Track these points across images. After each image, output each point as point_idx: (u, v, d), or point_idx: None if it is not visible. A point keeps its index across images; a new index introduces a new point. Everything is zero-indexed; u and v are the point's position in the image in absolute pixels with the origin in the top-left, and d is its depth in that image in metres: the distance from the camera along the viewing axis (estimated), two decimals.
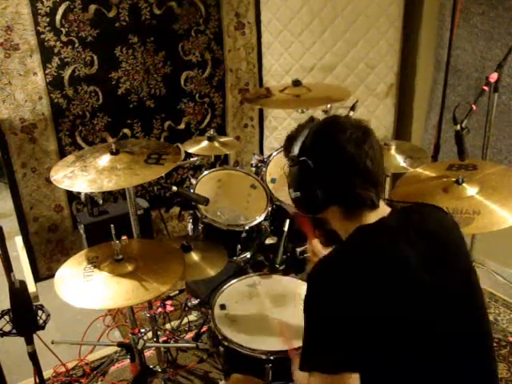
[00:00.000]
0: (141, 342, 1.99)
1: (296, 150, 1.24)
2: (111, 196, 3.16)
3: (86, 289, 1.67)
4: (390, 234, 1.18)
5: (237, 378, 1.67)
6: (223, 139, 2.54)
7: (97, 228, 2.78)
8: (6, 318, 1.82)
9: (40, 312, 1.86)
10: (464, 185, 1.84)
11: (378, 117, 3.28)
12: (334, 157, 1.19)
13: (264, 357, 1.63)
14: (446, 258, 1.20)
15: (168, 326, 2.55)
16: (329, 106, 2.41)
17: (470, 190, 1.82)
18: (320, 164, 1.20)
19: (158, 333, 2.35)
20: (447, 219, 1.30)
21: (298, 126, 1.30)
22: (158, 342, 2.34)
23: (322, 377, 1.10)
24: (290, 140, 1.29)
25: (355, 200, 1.21)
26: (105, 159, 1.90)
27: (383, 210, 1.24)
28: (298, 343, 1.38)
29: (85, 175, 1.83)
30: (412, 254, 1.15)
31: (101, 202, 2.53)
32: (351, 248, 1.19)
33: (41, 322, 1.84)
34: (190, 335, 2.53)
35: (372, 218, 1.21)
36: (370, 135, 1.21)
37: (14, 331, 1.79)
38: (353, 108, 2.41)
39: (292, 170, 1.26)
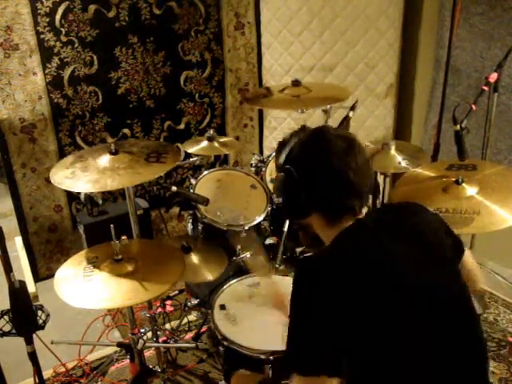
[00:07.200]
0: (140, 341, 1.99)
1: (283, 157, 1.28)
2: (111, 196, 3.15)
3: (85, 289, 1.67)
4: (367, 233, 1.21)
5: (241, 375, 1.65)
6: (223, 139, 2.54)
7: (96, 228, 2.77)
8: (6, 317, 1.82)
9: (40, 312, 1.86)
10: (464, 185, 1.84)
11: (378, 117, 3.28)
12: (316, 168, 1.22)
13: (264, 357, 1.63)
14: (425, 255, 1.20)
15: (168, 326, 2.54)
16: (329, 106, 2.41)
17: (470, 190, 1.82)
18: (303, 174, 1.23)
19: (158, 333, 2.35)
20: (425, 216, 1.31)
21: (291, 133, 1.34)
22: (157, 342, 2.34)
23: (302, 379, 1.10)
24: (280, 147, 1.32)
25: (337, 209, 1.24)
26: (104, 159, 1.90)
27: (363, 214, 1.27)
28: None
29: (86, 175, 1.83)
30: (388, 252, 1.17)
31: (100, 202, 2.53)
32: (333, 252, 1.21)
33: (40, 322, 1.84)
34: (189, 335, 2.53)
35: (352, 222, 1.24)
36: (354, 148, 1.23)
37: (14, 331, 1.80)
38: (352, 108, 2.40)
39: (278, 176, 1.31)
